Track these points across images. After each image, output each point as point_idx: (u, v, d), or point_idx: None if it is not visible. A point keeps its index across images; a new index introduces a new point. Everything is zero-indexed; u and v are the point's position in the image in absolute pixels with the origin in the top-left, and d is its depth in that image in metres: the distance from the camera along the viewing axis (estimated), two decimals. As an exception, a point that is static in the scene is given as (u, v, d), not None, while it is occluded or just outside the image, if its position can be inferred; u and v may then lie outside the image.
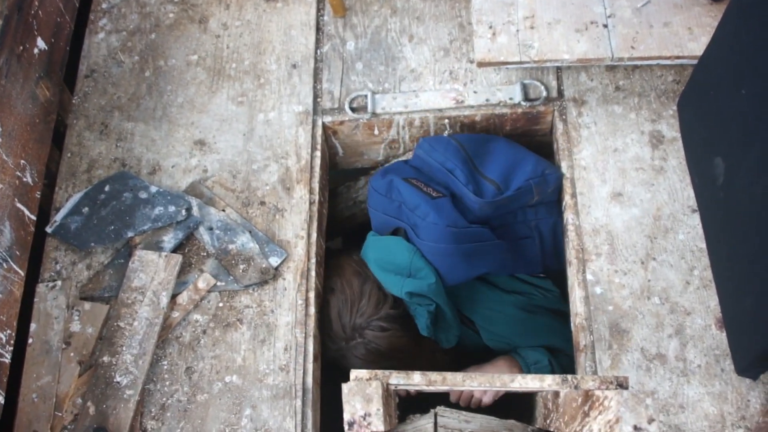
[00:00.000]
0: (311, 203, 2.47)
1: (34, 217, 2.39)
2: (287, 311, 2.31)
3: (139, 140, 2.58)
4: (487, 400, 2.46)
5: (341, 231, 2.95)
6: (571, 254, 2.35)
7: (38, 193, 2.43)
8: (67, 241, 2.41)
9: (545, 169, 2.46)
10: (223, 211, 2.44)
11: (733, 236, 2.05)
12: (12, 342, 2.22)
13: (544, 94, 2.55)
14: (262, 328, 2.29)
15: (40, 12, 2.53)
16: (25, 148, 2.38)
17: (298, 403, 2.20)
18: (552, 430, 2.11)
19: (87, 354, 2.25)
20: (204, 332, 2.29)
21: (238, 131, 2.57)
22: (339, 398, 1.77)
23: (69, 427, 2.17)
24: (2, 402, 2.14)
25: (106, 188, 2.48)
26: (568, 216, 2.39)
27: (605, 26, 2.49)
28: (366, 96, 2.62)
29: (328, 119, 2.60)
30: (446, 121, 2.59)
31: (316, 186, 2.50)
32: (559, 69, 2.59)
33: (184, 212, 2.41)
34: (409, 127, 2.63)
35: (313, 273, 2.38)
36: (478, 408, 2.46)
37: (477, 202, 2.39)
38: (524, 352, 2.52)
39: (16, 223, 2.30)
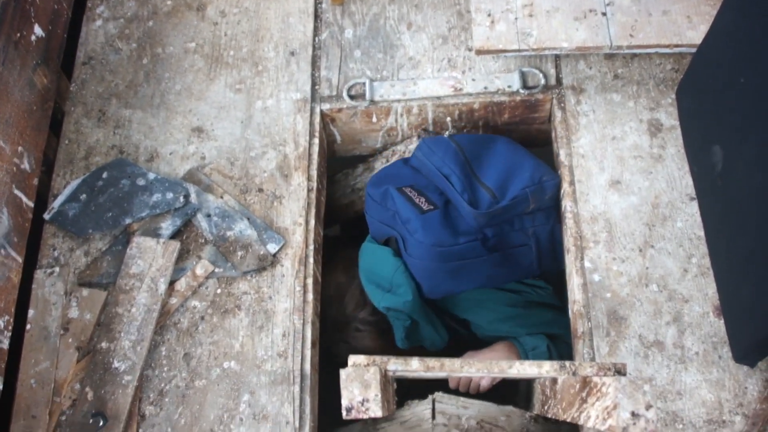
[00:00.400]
0: (309, 190, 2.47)
1: (31, 204, 2.39)
2: (285, 298, 2.31)
3: (136, 127, 2.58)
4: (485, 384, 2.47)
5: (339, 218, 2.95)
6: (569, 242, 2.36)
7: (36, 180, 2.43)
8: (65, 227, 2.41)
9: (543, 176, 2.44)
10: (221, 198, 2.44)
11: (732, 224, 2.05)
12: (10, 328, 2.22)
13: (543, 82, 2.55)
14: (260, 314, 2.29)
15: (37, -2, 2.53)
16: (23, 135, 2.38)
17: (297, 388, 2.20)
18: (550, 416, 2.11)
19: (85, 340, 2.25)
20: (202, 318, 2.29)
21: (236, 118, 2.57)
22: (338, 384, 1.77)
23: (67, 412, 2.17)
24: (1, 388, 2.14)
25: (104, 175, 2.47)
26: (567, 204, 2.40)
27: (604, 14, 2.49)
28: (364, 83, 2.61)
29: (326, 107, 2.60)
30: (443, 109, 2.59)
31: (314, 173, 2.50)
32: (557, 57, 2.59)
33: (182, 199, 2.41)
34: (407, 114, 2.63)
35: (311, 260, 2.38)
36: (477, 394, 2.46)
37: (471, 213, 2.38)
38: (522, 338, 2.53)
39: (13, 209, 2.30)
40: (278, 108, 2.58)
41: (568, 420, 1.91)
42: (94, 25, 2.78)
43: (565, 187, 2.42)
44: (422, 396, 2.36)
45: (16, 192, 2.33)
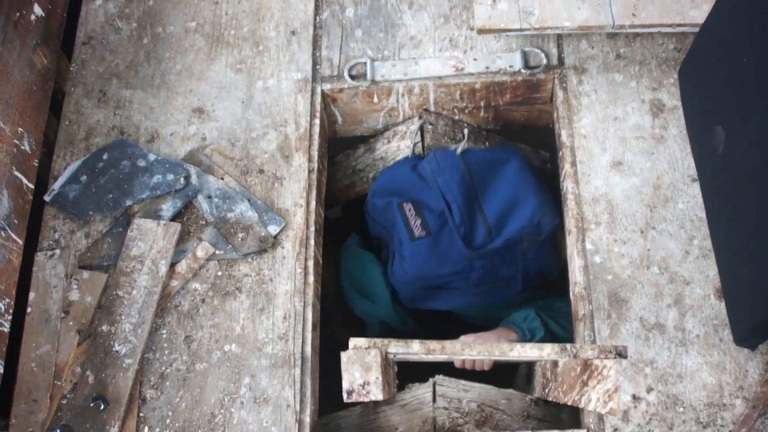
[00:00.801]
0: (310, 171, 2.46)
1: (32, 186, 2.39)
2: (286, 280, 2.31)
3: (137, 108, 2.57)
4: (488, 362, 2.46)
5: (340, 199, 2.94)
6: (570, 223, 2.35)
7: (36, 161, 2.42)
8: (65, 209, 2.41)
9: (542, 218, 2.45)
10: (222, 179, 2.43)
11: (733, 205, 2.04)
12: (11, 311, 2.22)
13: (545, 61, 2.54)
14: (261, 296, 2.29)
15: (36, -22, 2.51)
16: (23, 116, 2.37)
17: (297, 371, 2.20)
18: (550, 399, 2.11)
19: (86, 323, 2.25)
20: (203, 301, 2.29)
21: (237, 99, 2.56)
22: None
23: (68, 395, 2.18)
24: (2, 371, 2.15)
25: (105, 156, 2.47)
26: (568, 185, 2.39)
27: (606, -7, 2.48)
28: (365, 63, 2.60)
29: (327, 87, 2.59)
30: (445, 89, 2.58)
31: (315, 154, 2.49)
32: (559, 36, 2.57)
33: (182, 180, 2.41)
34: (409, 94, 2.61)
35: (312, 241, 2.37)
36: (477, 375, 2.46)
37: (462, 250, 2.41)
38: (511, 316, 2.54)
39: (14, 191, 2.29)
40: (279, 88, 2.57)
41: (569, 403, 1.92)
42: (94, 5, 2.76)
43: (567, 168, 2.41)
44: (423, 379, 2.36)
45: (17, 173, 2.32)
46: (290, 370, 2.20)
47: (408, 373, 2.24)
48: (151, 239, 2.33)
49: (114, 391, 2.15)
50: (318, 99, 2.57)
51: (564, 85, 2.51)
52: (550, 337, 2.46)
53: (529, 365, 2.55)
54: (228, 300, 2.29)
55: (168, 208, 2.39)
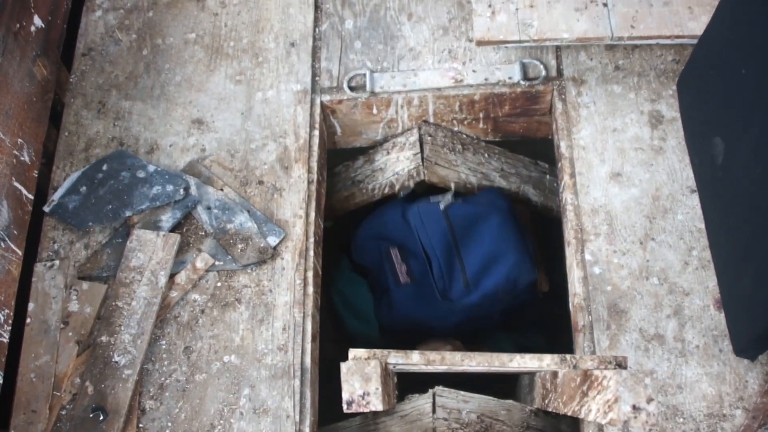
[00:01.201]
0: (309, 182, 2.46)
1: (31, 197, 2.39)
2: (286, 291, 2.31)
3: (136, 119, 2.57)
4: None
5: (339, 211, 2.94)
6: (569, 234, 2.35)
7: (36, 172, 2.42)
8: (64, 220, 2.41)
9: (519, 276, 2.60)
10: (222, 190, 2.43)
11: (732, 216, 2.04)
12: (10, 322, 2.22)
13: (544, 73, 2.54)
14: (261, 307, 2.29)
15: (36, -10, 2.52)
16: (23, 126, 2.37)
17: (297, 382, 2.20)
18: (550, 410, 2.11)
19: (85, 334, 2.25)
20: (202, 312, 2.29)
21: (236, 110, 2.57)
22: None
23: (67, 406, 2.18)
24: (1, 382, 2.14)
25: (104, 167, 2.47)
26: (567, 196, 2.39)
27: (605, 5, 2.48)
28: (364, 75, 2.61)
29: (326, 98, 2.59)
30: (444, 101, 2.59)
31: (314, 165, 2.49)
32: (558, 48, 2.58)
33: (182, 191, 2.41)
34: (408, 106, 2.62)
35: (311, 252, 2.37)
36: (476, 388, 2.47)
37: (439, 301, 2.64)
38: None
39: (13, 202, 2.29)
40: (278, 99, 2.57)
41: (569, 414, 1.91)
42: (93, 16, 2.77)
43: (566, 179, 2.41)
44: (422, 390, 2.36)
45: (16, 184, 2.32)
46: (290, 381, 2.20)
47: (407, 384, 2.24)
48: (150, 250, 2.33)
49: (113, 402, 2.15)
50: (317, 110, 2.57)
51: (563, 96, 2.51)
52: None
53: (530, 376, 2.55)
54: (227, 311, 2.29)
55: (167, 219, 2.39)
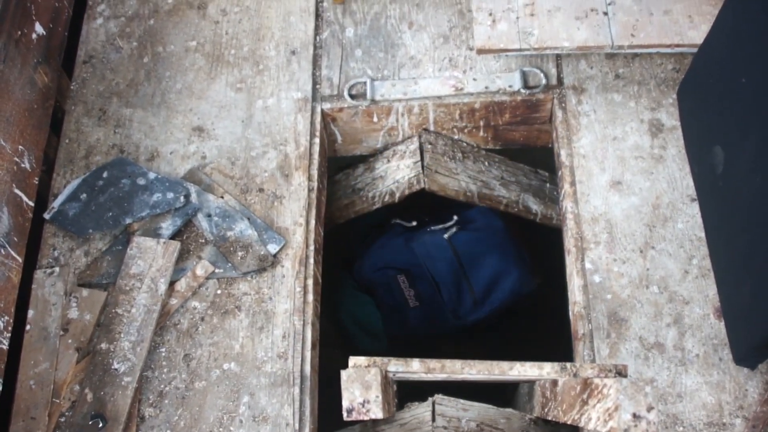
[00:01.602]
0: (310, 190, 2.46)
1: (32, 203, 2.39)
2: (285, 298, 2.31)
3: (137, 126, 2.57)
4: None
5: (340, 219, 2.94)
6: (569, 243, 2.35)
7: (36, 179, 2.42)
8: (65, 227, 2.41)
9: (522, 288, 2.87)
10: (222, 197, 2.43)
11: (732, 225, 2.04)
12: (10, 329, 2.22)
13: (544, 81, 2.54)
14: (261, 315, 2.29)
15: (38, -3, 2.52)
16: (23, 133, 2.37)
17: (296, 390, 2.20)
18: (550, 418, 2.11)
19: (85, 341, 2.25)
20: (202, 319, 2.29)
21: (237, 118, 2.57)
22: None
23: (66, 413, 2.17)
24: (0, 389, 2.14)
25: (105, 174, 2.47)
26: (567, 204, 2.39)
27: (605, 14, 2.48)
28: (365, 83, 2.61)
29: (327, 106, 2.60)
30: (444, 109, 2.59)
31: (314, 173, 2.49)
32: (558, 56, 2.58)
33: (182, 199, 2.41)
34: (408, 114, 2.62)
35: (311, 260, 2.37)
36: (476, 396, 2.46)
37: (451, 320, 2.90)
38: None
39: (14, 209, 2.30)
40: (279, 107, 2.58)
41: (569, 422, 1.91)
42: (94, 24, 2.77)
43: (566, 187, 2.41)
44: (422, 398, 2.35)
45: (17, 191, 2.32)
46: (289, 388, 2.20)
47: (407, 392, 2.24)
48: (150, 257, 2.33)
49: (113, 409, 2.15)
50: (318, 118, 2.57)
51: (563, 104, 2.51)
52: None
53: (530, 384, 2.54)
54: (227, 318, 2.29)
55: (167, 226, 2.39)
